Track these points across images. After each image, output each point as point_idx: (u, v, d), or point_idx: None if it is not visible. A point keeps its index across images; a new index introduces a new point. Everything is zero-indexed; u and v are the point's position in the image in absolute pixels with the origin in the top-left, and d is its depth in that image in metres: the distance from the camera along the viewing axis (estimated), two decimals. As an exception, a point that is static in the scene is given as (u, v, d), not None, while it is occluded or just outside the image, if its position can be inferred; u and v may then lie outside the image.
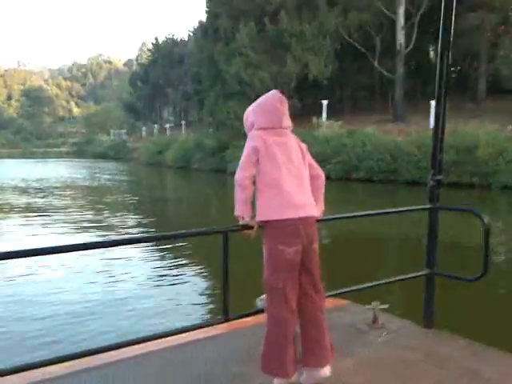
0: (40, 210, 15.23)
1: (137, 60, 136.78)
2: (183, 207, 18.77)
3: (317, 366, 2.39)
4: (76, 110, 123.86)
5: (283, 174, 2.33)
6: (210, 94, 31.37)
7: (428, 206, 3.16)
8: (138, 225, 12.90)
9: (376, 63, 30.80)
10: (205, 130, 42.73)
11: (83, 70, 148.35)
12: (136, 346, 2.41)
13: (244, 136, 2.52)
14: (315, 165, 2.56)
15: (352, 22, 28.70)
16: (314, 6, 28.22)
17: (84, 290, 6.89)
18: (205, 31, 31.79)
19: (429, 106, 31.83)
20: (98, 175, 31.30)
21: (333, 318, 3.12)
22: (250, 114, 2.52)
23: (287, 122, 2.50)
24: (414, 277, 3.26)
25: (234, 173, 2.41)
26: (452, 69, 42.86)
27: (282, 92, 2.54)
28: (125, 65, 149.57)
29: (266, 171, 2.34)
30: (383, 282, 3.21)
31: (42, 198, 18.81)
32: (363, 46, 30.79)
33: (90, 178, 28.94)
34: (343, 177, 23.36)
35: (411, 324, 3.28)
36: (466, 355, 2.81)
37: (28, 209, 15.69)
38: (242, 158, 2.36)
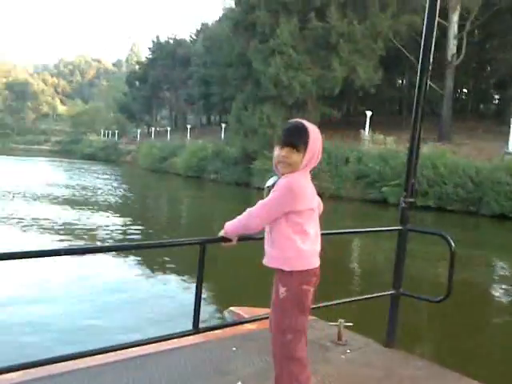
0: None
1: (127, 61, 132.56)
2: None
3: None
4: (61, 108, 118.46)
5: (310, 221, 2.14)
6: (238, 96, 27.67)
7: (398, 228, 3.17)
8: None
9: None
10: (214, 135, 39.07)
11: (70, 67, 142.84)
12: (98, 356, 2.29)
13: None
14: None
15: (403, 25, 25.47)
16: (365, 5, 24.94)
17: (46, 300, 6.50)
18: (235, 25, 28.13)
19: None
20: (114, 189, 25.84)
21: None
22: (312, 150, 2.05)
23: None
24: (379, 296, 3.29)
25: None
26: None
27: None
28: (114, 65, 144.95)
29: (294, 219, 2.08)
30: (349, 299, 3.31)
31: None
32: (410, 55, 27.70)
33: (114, 194, 23.82)
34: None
35: (374, 343, 3.28)
36: (424, 376, 2.86)
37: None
38: (274, 201, 2.05)
